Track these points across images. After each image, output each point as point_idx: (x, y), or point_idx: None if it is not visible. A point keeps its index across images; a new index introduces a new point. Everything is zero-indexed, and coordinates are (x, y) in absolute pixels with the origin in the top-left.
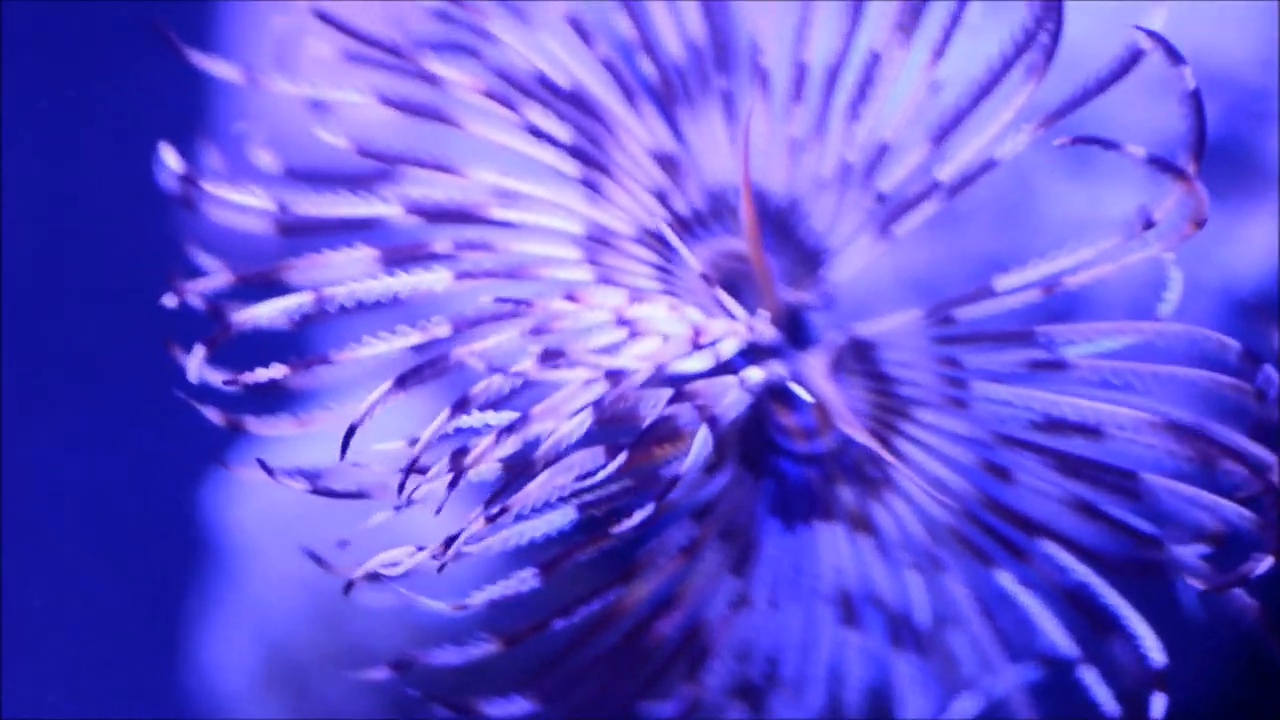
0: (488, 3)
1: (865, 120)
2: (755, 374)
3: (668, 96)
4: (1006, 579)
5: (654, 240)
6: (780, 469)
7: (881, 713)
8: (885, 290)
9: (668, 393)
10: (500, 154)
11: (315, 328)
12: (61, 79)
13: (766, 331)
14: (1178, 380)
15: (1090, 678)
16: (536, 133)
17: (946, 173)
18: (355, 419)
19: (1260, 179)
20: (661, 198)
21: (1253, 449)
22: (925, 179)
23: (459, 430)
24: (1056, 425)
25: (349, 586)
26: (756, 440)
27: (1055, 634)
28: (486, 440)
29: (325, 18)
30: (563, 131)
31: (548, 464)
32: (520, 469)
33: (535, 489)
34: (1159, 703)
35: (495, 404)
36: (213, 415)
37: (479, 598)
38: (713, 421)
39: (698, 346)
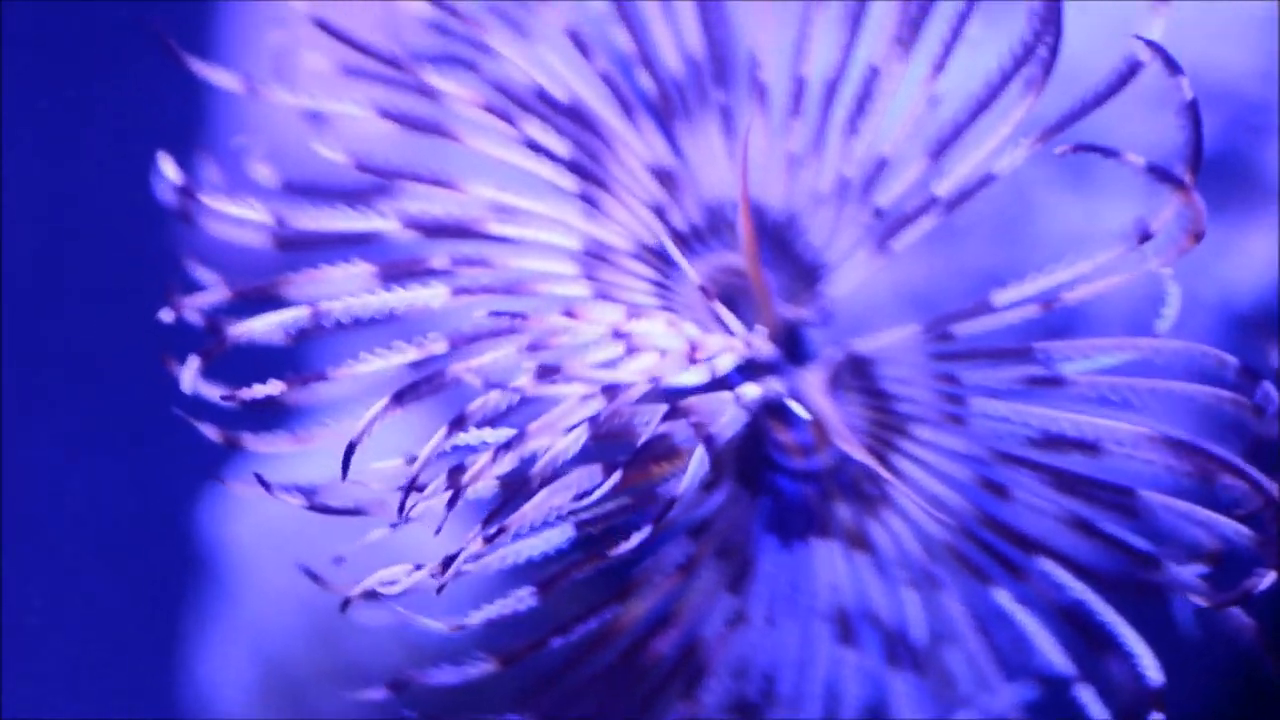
0: (486, 16)
1: (863, 135)
2: (751, 390)
3: (666, 111)
4: (1003, 596)
5: (652, 255)
6: (777, 486)
7: None
8: (883, 306)
9: (663, 408)
10: (498, 169)
11: (312, 343)
12: (61, 79)
13: (764, 347)
14: (1176, 396)
15: (1087, 696)
16: (534, 147)
17: (944, 188)
18: (354, 436)
19: (1259, 193)
20: (659, 213)
21: (1251, 465)
22: (923, 194)
23: (456, 448)
24: (1054, 441)
25: (346, 604)
26: (753, 457)
27: (1052, 652)
28: (484, 458)
29: (324, 26)
30: (561, 146)
31: (544, 480)
32: (517, 486)
33: (532, 508)
34: None
35: (493, 421)
36: (210, 432)
37: (476, 617)
38: (709, 440)
39: (695, 362)
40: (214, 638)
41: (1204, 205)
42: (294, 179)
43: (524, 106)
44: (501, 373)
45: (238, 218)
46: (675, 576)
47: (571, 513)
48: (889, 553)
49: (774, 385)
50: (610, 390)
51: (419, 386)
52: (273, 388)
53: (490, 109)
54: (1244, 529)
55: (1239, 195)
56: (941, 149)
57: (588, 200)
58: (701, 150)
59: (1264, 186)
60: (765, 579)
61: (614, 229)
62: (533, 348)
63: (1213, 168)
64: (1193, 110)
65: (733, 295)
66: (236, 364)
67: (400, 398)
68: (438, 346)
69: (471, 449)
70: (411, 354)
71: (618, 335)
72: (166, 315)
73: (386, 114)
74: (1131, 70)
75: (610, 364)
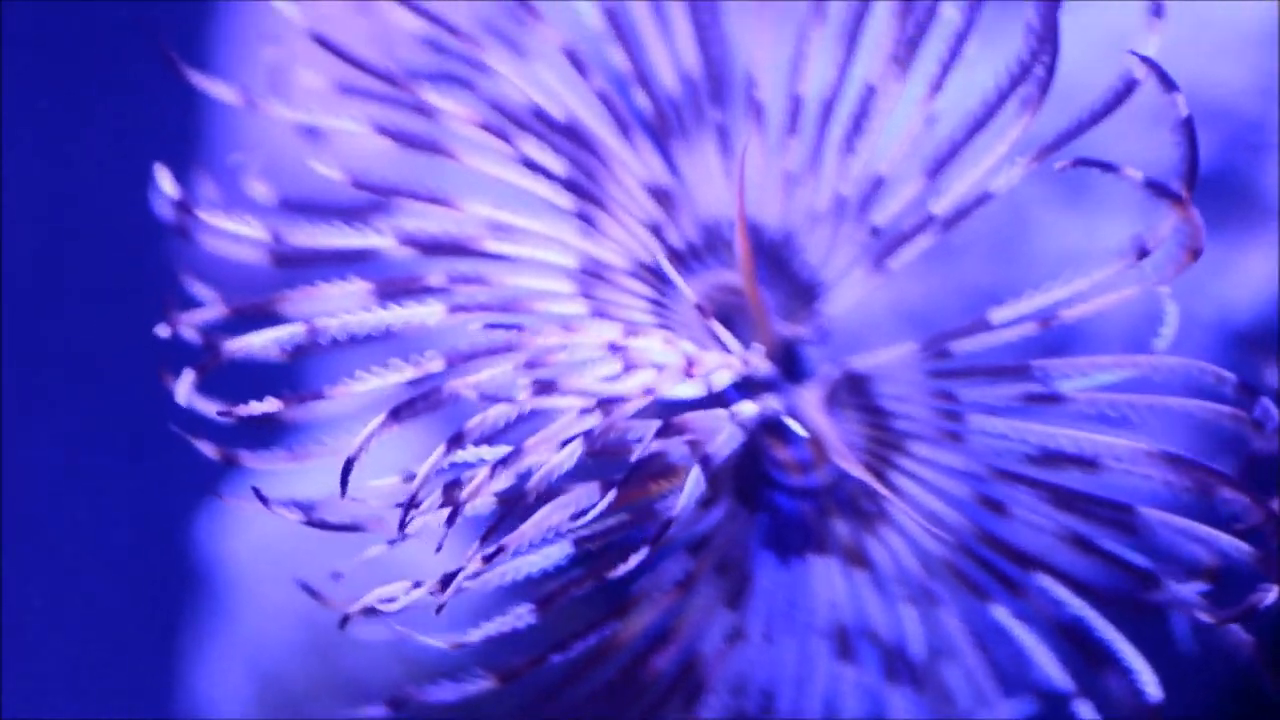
0: (483, 35)
1: (860, 154)
2: (748, 408)
3: (663, 130)
4: (1001, 613)
5: (649, 274)
6: (775, 503)
7: None
8: (880, 324)
9: (656, 424)
10: (495, 187)
11: (309, 361)
12: (61, 80)
13: (761, 365)
14: (1175, 413)
15: (1085, 712)
16: (531, 165)
17: (941, 206)
18: (351, 453)
19: (1257, 211)
20: (656, 231)
21: (1250, 480)
22: (920, 212)
23: (454, 465)
24: (1052, 458)
25: (345, 621)
26: (751, 474)
27: (1050, 668)
28: (481, 473)
29: (321, 42)
30: (557, 164)
31: (540, 495)
32: (514, 501)
33: (531, 527)
34: None
35: (490, 439)
36: (208, 450)
37: (475, 635)
38: (705, 460)
39: (691, 376)
40: (212, 652)
41: (1202, 221)
42: (290, 196)
43: (521, 125)
44: (498, 388)
45: (235, 234)
46: (674, 593)
47: (570, 530)
48: (887, 569)
49: (771, 403)
50: (606, 404)
51: (416, 403)
52: (270, 405)
53: (487, 127)
54: (1243, 545)
55: (1237, 213)
56: (938, 168)
57: (584, 218)
58: (698, 169)
59: (1262, 205)
60: (763, 595)
61: (611, 247)
62: (530, 365)
63: (1211, 186)
64: (1188, 127)
65: (730, 313)
66: (234, 380)
67: (398, 414)
68: (435, 365)
69: (470, 466)
70: (409, 372)
71: (614, 350)
72: (162, 331)
73: (383, 131)
74: (1127, 88)
75: (608, 380)
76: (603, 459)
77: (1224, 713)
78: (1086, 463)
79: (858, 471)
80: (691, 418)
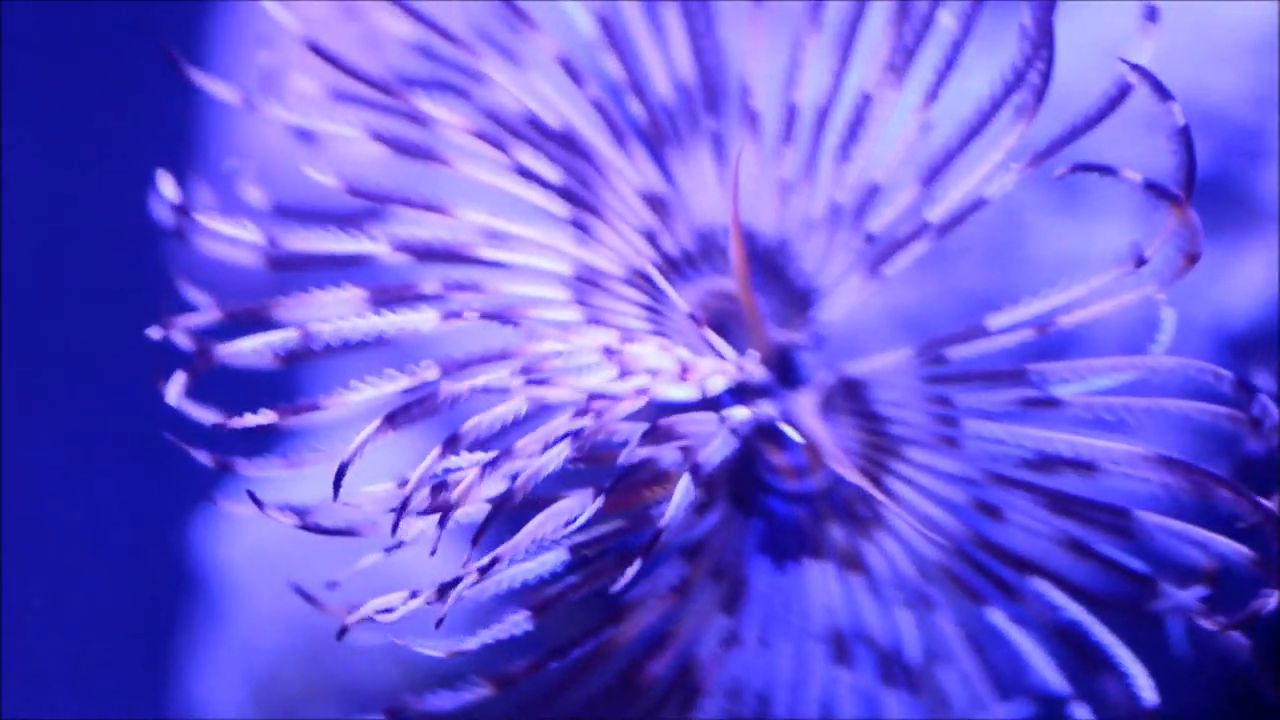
0: (478, 43)
1: (856, 161)
2: (740, 413)
3: (657, 137)
4: (998, 617)
5: (643, 281)
6: (770, 508)
7: None
8: (876, 330)
9: (644, 426)
10: (489, 194)
11: (303, 367)
12: (61, 80)
13: (756, 371)
14: (1172, 415)
15: (1082, 715)
16: (526, 173)
17: (936, 214)
18: (345, 458)
19: (1254, 217)
20: (651, 238)
21: (1248, 481)
22: (915, 219)
23: (449, 470)
24: (1049, 462)
25: (343, 632)
26: (747, 479)
27: (1047, 672)
28: (470, 475)
29: (316, 49)
30: (552, 172)
31: (526, 496)
32: (502, 503)
33: (524, 536)
34: None
35: (485, 444)
36: (203, 457)
37: (472, 643)
38: (696, 467)
39: (686, 380)
40: (208, 655)
41: (1200, 225)
42: (285, 201)
43: (516, 133)
44: (493, 387)
45: (230, 238)
46: (669, 598)
47: (565, 537)
48: (883, 574)
49: (767, 409)
50: (599, 402)
51: (411, 409)
52: (265, 417)
53: (482, 135)
54: (1241, 548)
55: (1234, 220)
56: (933, 175)
57: (579, 226)
58: (693, 176)
59: (1259, 211)
60: (759, 600)
61: (605, 254)
62: (525, 370)
63: (1208, 192)
64: (1185, 135)
65: (725, 320)
66: (230, 387)
67: (392, 420)
68: (430, 373)
69: (459, 469)
70: (404, 381)
71: (609, 355)
72: (155, 333)
73: (378, 137)
74: (1122, 93)
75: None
76: (593, 464)
77: (1220, 716)
78: (1083, 467)
79: (853, 477)
80: (683, 423)
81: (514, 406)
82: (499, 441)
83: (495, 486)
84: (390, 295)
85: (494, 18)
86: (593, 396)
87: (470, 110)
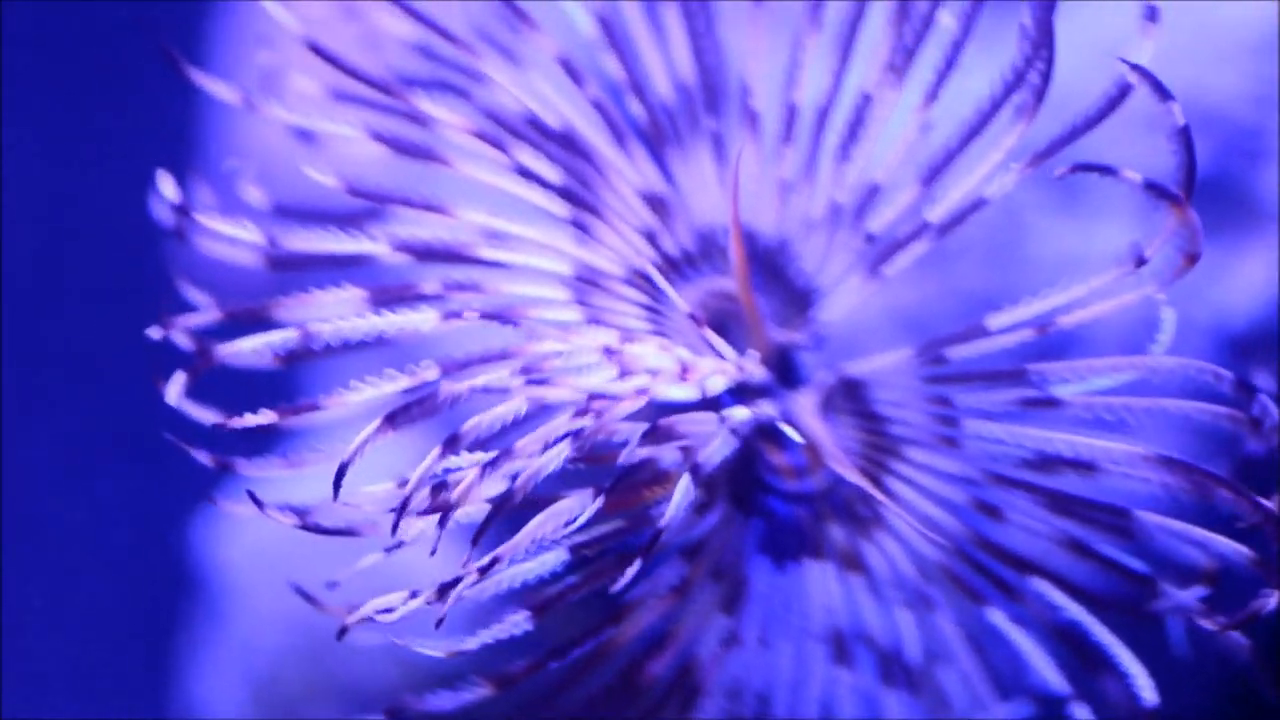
0: (478, 43)
1: (856, 161)
2: (740, 413)
3: (657, 137)
4: (998, 617)
5: (643, 281)
6: (770, 508)
7: None
8: (876, 330)
9: (644, 426)
10: (489, 194)
11: (304, 367)
12: (61, 80)
13: (756, 371)
14: (1172, 415)
15: (1082, 715)
16: (526, 173)
17: (936, 214)
18: (345, 458)
19: (1254, 217)
20: (651, 238)
21: (1248, 480)
22: (915, 219)
23: (449, 471)
24: (1049, 462)
25: (343, 632)
26: (747, 479)
27: (1047, 671)
28: (470, 475)
29: (315, 49)
30: (552, 172)
31: (527, 496)
32: (501, 503)
33: (524, 536)
34: None
35: (485, 444)
36: (203, 457)
37: (473, 643)
38: (695, 469)
39: (686, 380)
40: (207, 655)
41: (1200, 224)
42: (285, 201)
43: (516, 133)
44: (494, 386)
45: (230, 238)
46: (669, 598)
47: (565, 537)
48: (883, 574)
49: (766, 409)
50: (599, 402)
51: (411, 409)
52: (265, 418)
53: (482, 135)
54: (1242, 547)
55: (1234, 220)
56: (933, 175)
57: (579, 226)
58: (693, 176)
59: (1259, 211)
60: (759, 600)
61: (605, 254)
62: (525, 370)
63: (1208, 192)
64: (1185, 136)
65: (725, 320)
66: (231, 387)
67: (392, 420)
68: (430, 374)
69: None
70: (404, 381)
71: (609, 354)
72: (155, 333)
73: (378, 137)
74: (1121, 93)
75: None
76: (594, 464)
77: (1221, 716)
78: (1083, 467)
79: (853, 477)
80: (683, 423)
81: (514, 406)
82: (499, 441)
83: (495, 486)
84: (390, 295)
85: (494, 18)
86: (593, 396)
87: (470, 110)
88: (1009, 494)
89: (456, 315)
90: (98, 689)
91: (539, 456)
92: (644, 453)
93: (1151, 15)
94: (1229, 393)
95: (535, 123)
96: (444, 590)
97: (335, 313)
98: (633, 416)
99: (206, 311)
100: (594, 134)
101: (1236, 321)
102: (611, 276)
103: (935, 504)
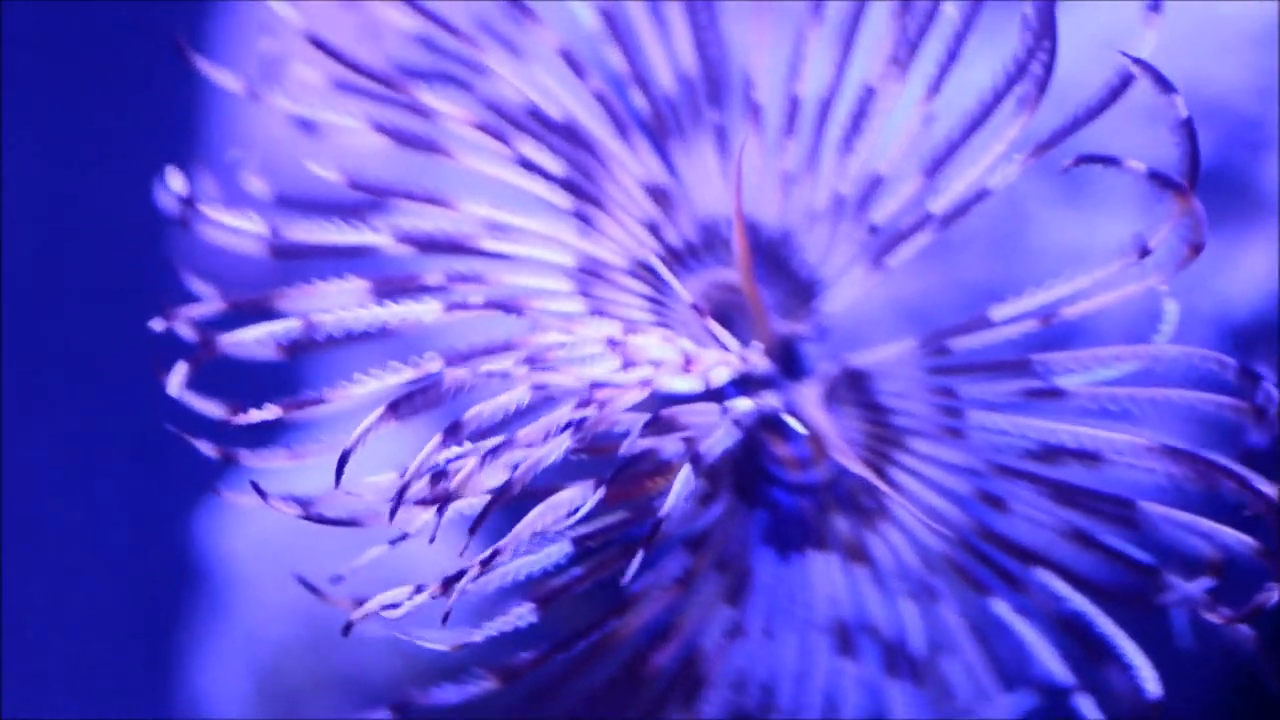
0: (481, 35)
1: (859, 153)
2: (744, 404)
3: (660, 129)
4: (1002, 608)
5: (647, 272)
6: (774, 499)
7: None
8: (879, 321)
9: (645, 417)
10: (492, 186)
11: (307, 358)
12: (61, 80)
13: (760, 363)
14: (1176, 405)
15: (1086, 706)
16: (528, 165)
17: (939, 205)
18: (348, 445)
19: (1256, 208)
20: (654, 230)
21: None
22: (918, 210)
23: (450, 459)
24: (1053, 453)
25: (348, 628)
26: (750, 470)
27: (1051, 662)
28: (470, 464)
29: (316, 43)
30: (555, 164)
31: (526, 487)
32: (501, 493)
33: (524, 528)
34: None
35: (487, 432)
36: (206, 448)
37: (477, 635)
38: (696, 459)
39: (689, 372)
40: (211, 649)
41: (1204, 214)
42: (288, 193)
43: (518, 125)
44: (497, 374)
45: (234, 229)
46: (674, 589)
47: (568, 529)
48: (887, 565)
49: (770, 400)
50: (602, 392)
51: (415, 397)
52: (269, 413)
53: (484, 128)
54: (1246, 538)
55: (1236, 211)
56: (936, 166)
57: (582, 218)
58: (696, 168)
59: (1261, 202)
60: (763, 591)
61: (609, 246)
62: (529, 361)
63: (1209, 183)
64: (1188, 127)
65: (728, 311)
66: (233, 378)
67: (395, 408)
68: (433, 366)
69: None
70: (407, 373)
71: (613, 346)
72: (158, 325)
73: (380, 128)
74: (1124, 84)
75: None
76: (596, 455)
77: (1225, 708)
78: (1087, 457)
79: (857, 468)
80: (685, 414)
81: (516, 396)
82: (501, 432)
83: (497, 476)
84: (393, 287)
85: (496, 10)
86: (595, 387)
87: (472, 102)
88: (1013, 485)
89: (460, 306)
90: (98, 688)
91: (540, 447)
92: (646, 444)
93: (1155, 6)
94: (1233, 381)
95: (538, 114)
96: (448, 584)
97: (338, 304)
98: (636, 408)
99: (209, 302)
100: (596, 126)
101: (1239, 312)
102: (614, 268)
103: (939, 495)
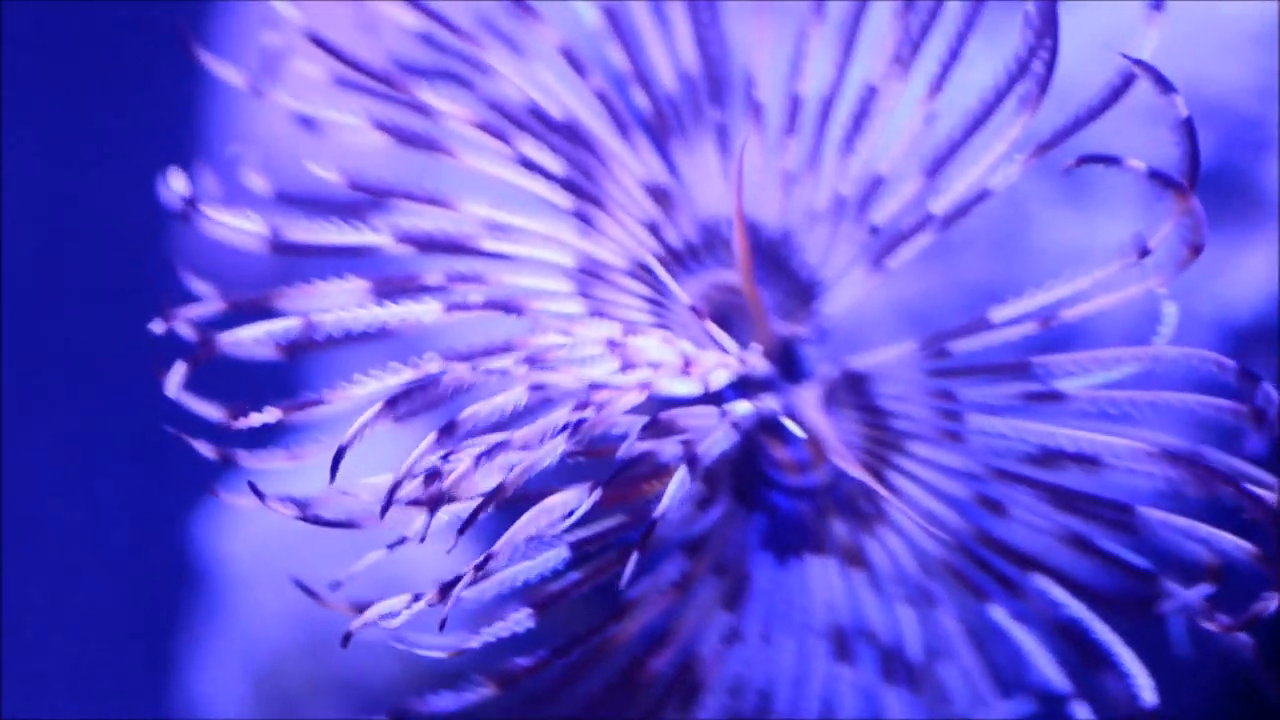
0: (482, 34)
1: (859, 153)
2: (743, 407)
3: (661, 128)
4: (1000, 613)
5: (647, 273)
6: (773, 503)
7: None
8: (879, 323)
9: (643, 419)
10: (493, 186)
11: (306, 358)
12: (61, 80)
13: (759, 364)
14: (1176, 408)
15: (1082, 713)
16: (529, 165)
17: (940, 206)
18: (344, 441)
19: (1257, 209)
20: (654, 230)
21: (1252, 472)
22: (919, 211)
23: (446, 458)
24: (1053, 457)
25: (347, 639)
26: (749, 474)
27: (1048, 669)
28: (464, 465)
29: (317, 41)
30: (555, 164)
31: (521, 490)
32: (495, 494)
33: (518, 531)
34: None
35: (483, 433)
36: (205, 449)
37: (475, 642)
38: (692, 461)
39: (688, 374)
40: (209, 651)
41: (1204, 214)
42: (288, 190)
43: (519, 124)
44: (495, 371)
45: (234, 228)
46: (671, 594)
47: (565, 532)
48: (885, 569)
49: (769, 402)
50: (600, 394)
51: (413, 394)
52: (269, 415)
53: (485, 126)
54: (1245, 544)
55: (1237, 212)
56: (937, 166)
57: (582, 218)
58: (697, 168)
59: (1262, 203)
60: (761, 596)
61: (609, 246)
62: (528, 362)
63: (1210, 184)
64: (1188, 127)
65: (728, 312)
66: (233, 379)
67: (393, 405)
68: (433, 366)
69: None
70: (407, 374)
71: (612, 347)
72: (157, 326)
73: (381, 126)
74: (1125, 84)
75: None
76: (594, 457)
77: (1222, 716)
78: (1087, 461)
79: (856, 471)
80: (684, 417)
81: (513, 397)
82: (498, 433)
83: (492, 478)
84: (393, 286)
85: (497, 8)
86: (594, 388)
87: (473, 101)
88: (1012, 489)
89: (460, 307)
90: (98, 688)
91: (536, 449)
92: (644, 446)
93: (1156, 5)
94: (1232, 383)
95: (538, 113)
96: (445, 591)
97: (338, 303)
98: (634, 410)
99: (209, 302)
100: (597, 125)
101: (1239, 314)
102: (614, 269)
103: (938, 499)
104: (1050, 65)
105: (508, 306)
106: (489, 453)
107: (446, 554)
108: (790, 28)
